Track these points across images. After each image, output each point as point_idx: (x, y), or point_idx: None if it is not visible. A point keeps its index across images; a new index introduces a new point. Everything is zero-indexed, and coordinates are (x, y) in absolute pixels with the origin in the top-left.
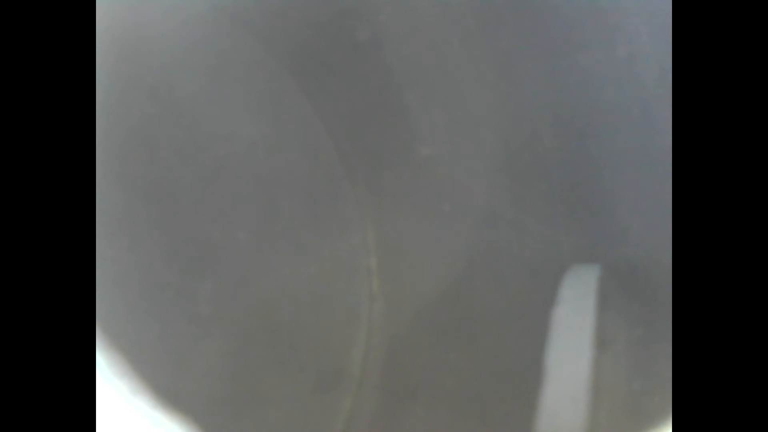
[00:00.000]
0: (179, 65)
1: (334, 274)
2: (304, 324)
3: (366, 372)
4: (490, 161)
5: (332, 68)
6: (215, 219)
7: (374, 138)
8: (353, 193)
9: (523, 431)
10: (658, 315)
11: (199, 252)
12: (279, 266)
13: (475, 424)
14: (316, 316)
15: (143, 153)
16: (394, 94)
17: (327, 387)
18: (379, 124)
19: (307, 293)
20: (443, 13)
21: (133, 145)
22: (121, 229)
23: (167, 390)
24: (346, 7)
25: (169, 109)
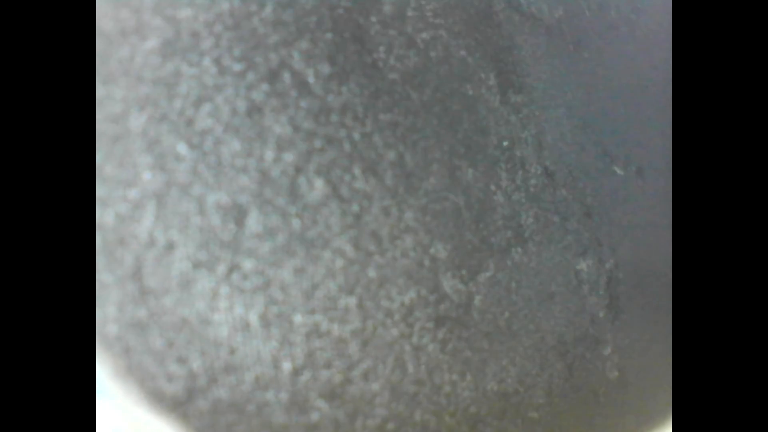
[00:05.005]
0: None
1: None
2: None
3: (373, 372)
4: (503, 158)
5: (345, 62)
6: (222, 219)
7: (384, 133)
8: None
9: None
10: (659, 314)
11: None
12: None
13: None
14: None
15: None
16: (397, 90)
17: (334, 388)
18: (390, 120)
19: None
20: (441, 11)
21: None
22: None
23: (164, 395)
24: (357, 2)
25: (176, 102)
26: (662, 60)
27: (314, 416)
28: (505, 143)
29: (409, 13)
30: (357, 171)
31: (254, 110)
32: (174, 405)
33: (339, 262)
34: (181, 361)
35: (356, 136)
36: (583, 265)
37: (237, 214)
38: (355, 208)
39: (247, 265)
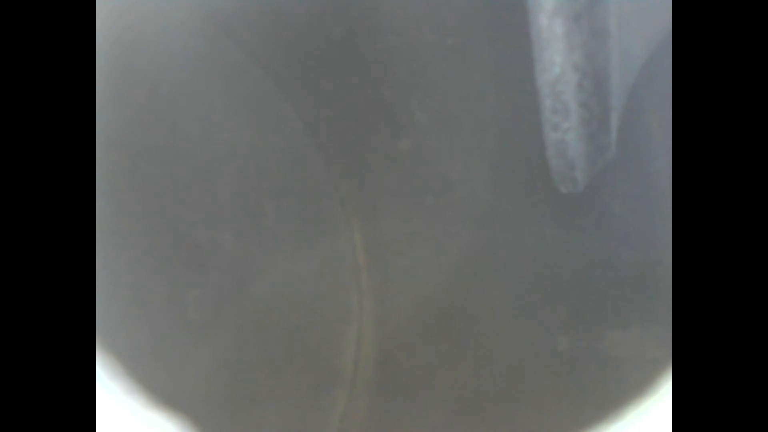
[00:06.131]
0: (160, 70)
1: (323, 273)
2: (295, 324)
3: (359, 370)
4: (481, 156)
5: (310, 67)
6: (200, 223)
7: (354, 134)
8: (337, 190)
9: (517, 429)
10: (658, 315)
11: (185, 257)
12: (266, 268)
13: (469, 422)
14: (307, 315)
15: (124, 160)
16: (371, 89)
17: (320, 387)
18: (358, 121)
19: (296, 293)
20: (415, 8)
21: (113, 153)
22: (105, 235)
23: (162, 392)
24: (322, 7)
25: (149, 115)
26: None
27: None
28: None
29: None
30: None
31: None
32: (178, 402)
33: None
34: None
35: None
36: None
37: None
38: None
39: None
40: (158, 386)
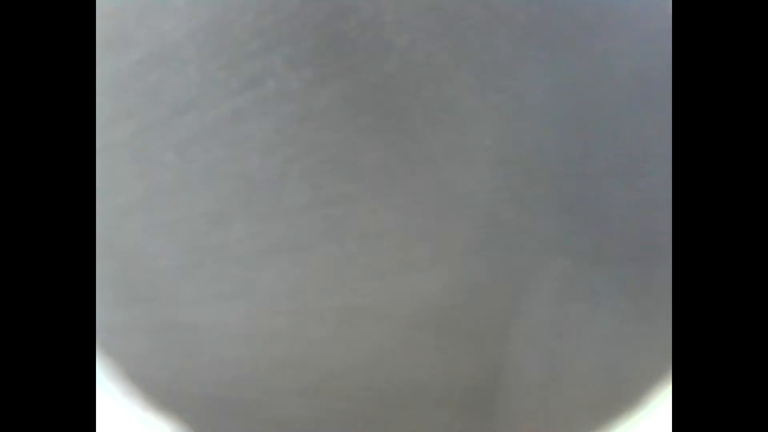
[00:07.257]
0: (163, 72)
1: (322, 274)
2: (294, 325)
3: (357, 371)
4: (487, 159)
5: (326, 67)
6: (200, 223)
7: (366, 136)
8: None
9: (520, 431)
10: (657, 321)
11: (185, 257)
12: (266, 268)
13: (467, 424)
14: (305, 316)
15: (124, 160)
16: (386, 92)
17: (319, 387)
18: (372, 123)
19: (295, 294)
20: (418, 13)
21: (113, 154)
22: (107, 235)
23: (160, 394)
24: (336, 8)
25: (151, 116)
26: (657, 58)
27: (295, 412)
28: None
29: (387, 18)
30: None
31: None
32: (171, 404)
33: (322, 265)
34: (178, 361)
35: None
36: (563, 261)
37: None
38: (338, 211)
39: (232, 270)
40: (156, 388)
